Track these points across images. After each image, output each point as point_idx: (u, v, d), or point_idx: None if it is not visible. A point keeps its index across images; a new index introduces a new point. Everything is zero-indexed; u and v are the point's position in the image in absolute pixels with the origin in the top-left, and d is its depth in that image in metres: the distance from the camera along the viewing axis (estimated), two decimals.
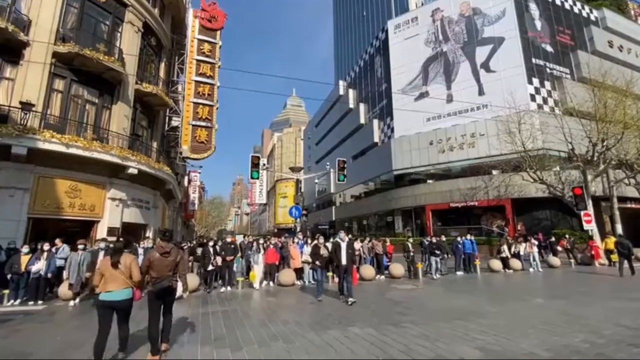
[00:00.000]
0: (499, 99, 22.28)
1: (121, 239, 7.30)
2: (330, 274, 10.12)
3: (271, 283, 9.99)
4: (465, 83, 27.21)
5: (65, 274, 7.78)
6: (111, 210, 12.34)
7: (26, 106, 10.06)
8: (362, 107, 38.17)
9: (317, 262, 8.10)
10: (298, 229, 17.19)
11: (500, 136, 20.45)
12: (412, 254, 11.30)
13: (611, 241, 13.36)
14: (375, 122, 34.65)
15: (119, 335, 4.03)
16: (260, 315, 6.38)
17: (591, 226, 15.60)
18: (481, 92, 26.27)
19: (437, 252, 11.47)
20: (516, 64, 25.17)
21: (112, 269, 4.00)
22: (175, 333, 5.37)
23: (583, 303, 6.77)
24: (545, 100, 24.91)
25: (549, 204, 20.77)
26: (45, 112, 11.02)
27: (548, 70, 25.82)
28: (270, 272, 10.23)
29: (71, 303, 7.64)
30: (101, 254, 7.54)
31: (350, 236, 13.19)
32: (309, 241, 11.08)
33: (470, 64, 27.48)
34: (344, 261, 7.37)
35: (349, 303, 6.90)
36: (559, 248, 15.46)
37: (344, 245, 7.51)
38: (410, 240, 13.98)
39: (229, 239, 10.06)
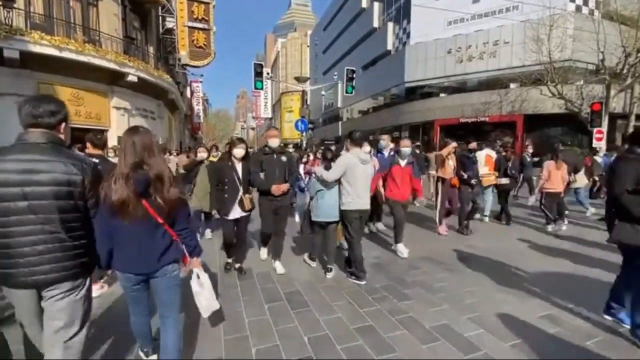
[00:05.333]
0: None
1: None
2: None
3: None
4: None
5: None
6: (117, 120, 12.42)
7: (7, 2, 9.26)
8: (376, 7, 33.92)
9: None
10: (304, 144, 17.32)
11: (526, 44, 18.63)
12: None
13: None
14: (390, 25, 31.22)
15: None
16: None
17: (601, 144, 15.40)
18: None
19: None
20: None
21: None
22: None
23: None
24: (585, 1, 21.77)
25: (562, 121, 20.11)
26: (28, 9, 10.16)
27: None
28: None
29: None
30: None
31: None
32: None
33: None
34: None
35: None
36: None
37: None
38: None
39: (275, 141, 3.96)
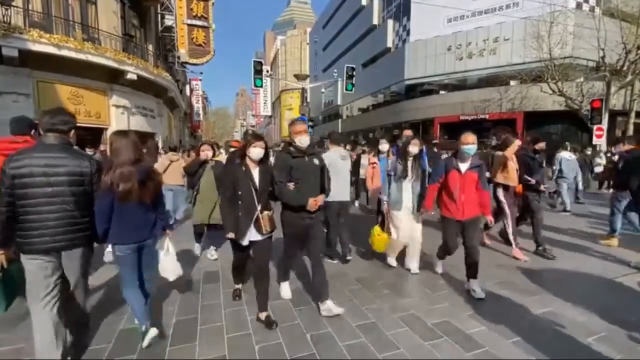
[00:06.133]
0: None
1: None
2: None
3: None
4: None
5: None
6: (117, 118, 12.38)
7: (5, 0, 9.22)
8: (376, 4, 33.82)
9: None
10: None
11: (526, 41, 18.61)
12: None
13: None
14: (390, 22, 31.15)
15: None
16: None
17: (601, 141, 15.40)
18: None
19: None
20: None
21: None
22: None
23: None
24: None
25: (562, 118, 20.12)
26: (27, 7, 10.10)
27: None
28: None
29: None
30: None
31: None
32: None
33: None
34: None
35: None
36: None
37: None
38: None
39: (306, 138, 2.93)
